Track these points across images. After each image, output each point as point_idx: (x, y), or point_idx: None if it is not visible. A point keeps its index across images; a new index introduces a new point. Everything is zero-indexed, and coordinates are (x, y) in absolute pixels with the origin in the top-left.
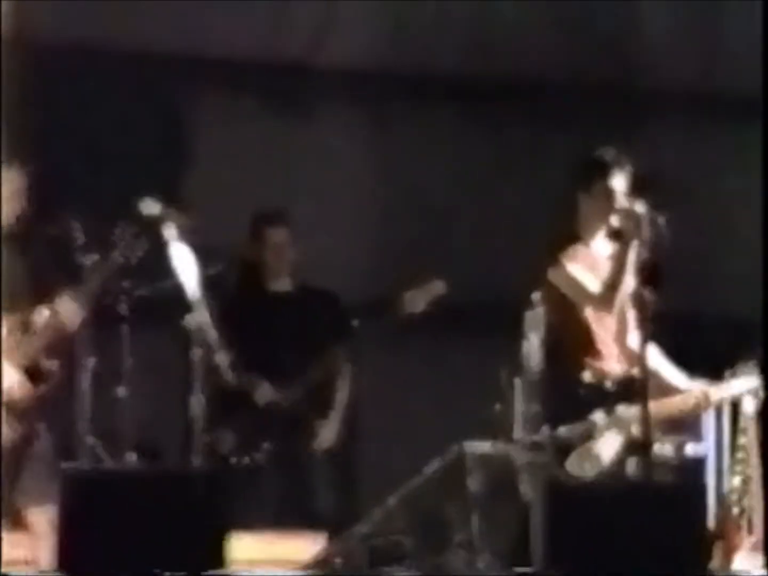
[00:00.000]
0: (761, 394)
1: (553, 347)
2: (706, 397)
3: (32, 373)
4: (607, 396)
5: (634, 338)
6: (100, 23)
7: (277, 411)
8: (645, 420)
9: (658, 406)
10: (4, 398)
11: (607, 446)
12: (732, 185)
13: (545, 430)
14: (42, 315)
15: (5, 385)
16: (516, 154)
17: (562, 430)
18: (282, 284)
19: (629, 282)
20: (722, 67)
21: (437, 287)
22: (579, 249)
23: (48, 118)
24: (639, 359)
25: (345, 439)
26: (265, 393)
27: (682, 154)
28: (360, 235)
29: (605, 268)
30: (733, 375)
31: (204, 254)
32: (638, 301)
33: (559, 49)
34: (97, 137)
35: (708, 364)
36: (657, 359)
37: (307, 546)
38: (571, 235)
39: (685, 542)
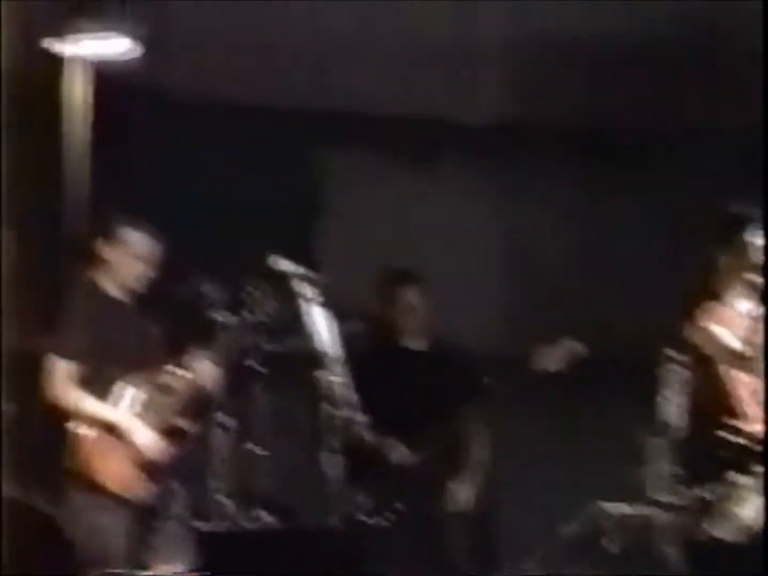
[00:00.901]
0: None
1: (692, 407)
2: None
3: (168, 432)
4: (749, 457)
5: (749, 395)
6: (234, 78)
7: (410, 471)
8: None
9: None
10: (141, 457)
11: (749, 508)
12: None
13: (684, 491)
14: (178, 375)
15: (142, 444)
16: (650, 208)
17: (702, 491)
18: (415, 342)
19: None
20: None
21: (573, 346)
22: (717, 306)
23: (180, 175)
24: (754, 417)
25: (480, 499)
26: (399, 453)
27: None
28: (492, 293)
29: (745, 326)
30: None
31: (337, 312)
32: None
33: (692, 98)
34: (230, 194)
35: None
36: None
37: None
38: (710, 293)
39: None
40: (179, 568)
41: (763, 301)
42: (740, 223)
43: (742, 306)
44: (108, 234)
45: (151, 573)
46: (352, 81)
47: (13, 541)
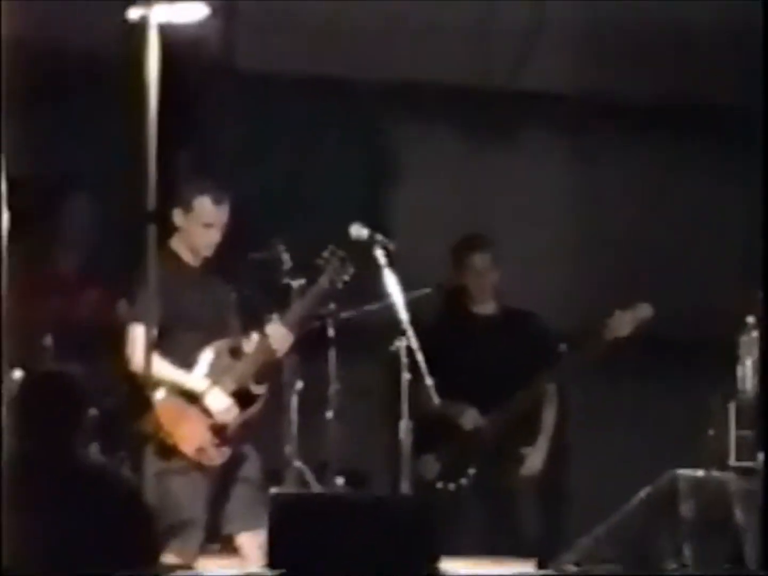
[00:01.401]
0: None
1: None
2: None
3: (241, 397)
4: None
5: None
6: (305, 50)
7: (482, 437)
8: None
9: None
10: (215, 421)
11: None
12: None
13: (760, 456)
14: (251, 340)
15: (216, 408)
16: (722, 177)
17: None
18: (486, 308)
19: None
20: None
21: (644, 310)
22: None
23: (257, 145)
24: None
25: (553, 465)
26: (471, 418)
27: None
28: (564, 259)
29: None
30: None
31: (409, 279)
32: None
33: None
34: (306, 164)
35: None
36: None
37: (516, 572)
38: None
39: None
40: (258, 533)
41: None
42: None
43: None
44: (182, 202)
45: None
46: (427, 50)
47: (94, 506)
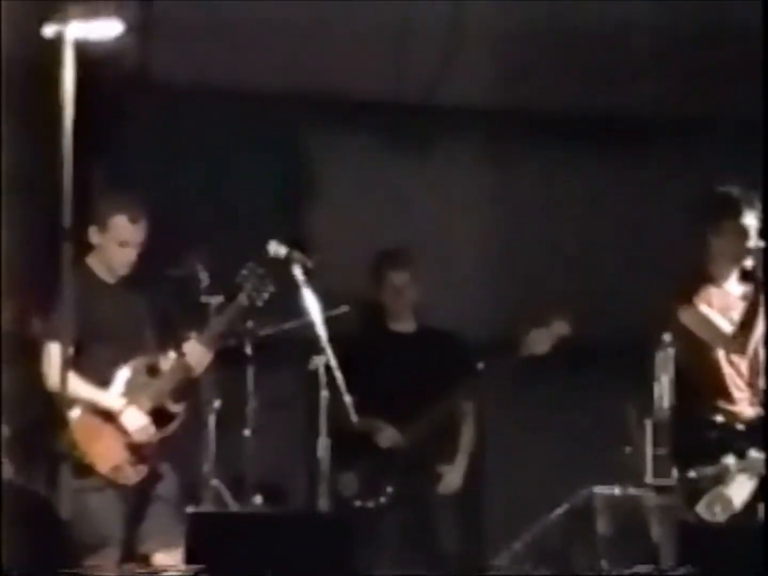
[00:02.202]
0: None
1: (684, 389)
2: None
3: (158, 415)
4: (739, 439)
5: (746, 377)
6: (220, 63)
7: (400, 454)
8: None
9: None
10: (131, 440)
11: (739, 490)
12: None
13: (675, 473)
14: (169, 358)
15: (132, 427)
16: (641, 191)
17: (693, 474)
18: (404, 325)
19: (762, 324)
20: None
21: (561, 327)
22: (711, 290)
23: (173, 160)
24: (749, 399)
25: (470, 482)
26: (388, 436)
27: None
28: (482, 275)
29: (738, 309)
30: None
31: (327, 296)
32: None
33: (681, 83)
34: (222, 179)
35: None
36: None
37: None
38: (703, 276)
39: None
40: (175, 552)
41: (765, 298)
42: (733, 206)
43: (736, 289)
44: (98, 220)
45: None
46: (345, 65)
47: (9, 524)
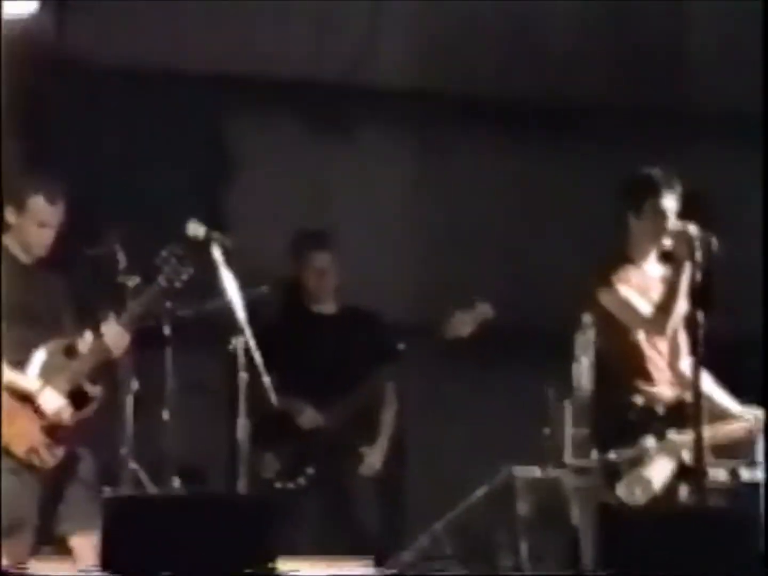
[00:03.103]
0: None
1: (603, 370)
2: (759, 423)
3: (75, 397)
4: (659, 420)
5: (686, 362)
6: (141, 44)
7: (321, 435)
8: (698, 445)
9: (710, 432)
10: (48, 422)
11: (658, 471)
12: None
13: (595, 454)
14: (86, 339)
15: (49, 408)
16: (564, 175)
17: (612, 455)
18: (326, 307)
19: (682, 305)
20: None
21: (484, 310)
22: (631, 271)
23: (91, 140)
24: (691, 383)
25: (391, 463)
26: (309, 417)
27: (731, 173)
28: (405, 257)
29: (657, 290)
30: None
31: (248, 277)
32: (690, 324)
33: (605, 70)
34: (140, 159)
35: (757, 389)
36: (709, 384)
37: (353, 571)
38: (623, 257)
39: (739, 568)
40: (92, 535)
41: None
42: (652, 188)
43: (656, 270)
44: (16, 201)
45: None
46: (266, 45)
47: None
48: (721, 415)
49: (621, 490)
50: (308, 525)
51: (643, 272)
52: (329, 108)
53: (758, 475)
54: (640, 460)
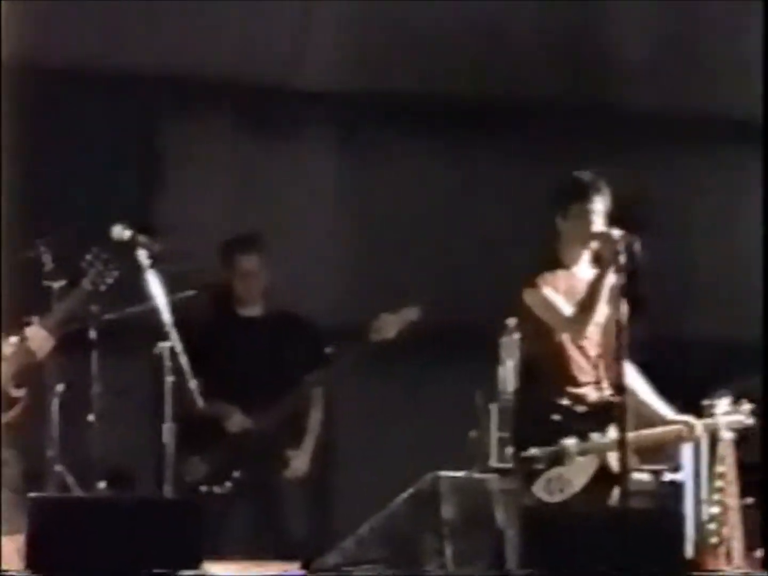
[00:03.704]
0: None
1: (528, 372)
2: (691, 430)
3: (1, 401)
4: (582, 422)
5: (611, 364)
6: (73, 45)
7: (248, 439)
8: (622, 447)
9: (636, 435)
10: None
11: (580, 472)
12: (711, 206)
13: (519, 456)
14: (10, 343)
15: None
16: (495, 178)
17: (532, 455)
18: (253, 310)
19: (602, 308)
20: (700, 88)
21: (410, 313)
22: (559, 273)
23: (17, 142)
24: (616, 385)
25: (318, 467)
26: (236, 421)
27: (662, 175)
28: (335, 260)
29: (584, 291)
30: (712, 404)
31: (175, 280)
32: (616, 326)
33: (536, 72)
34: (68, 162)
35: (683, 391)
36: (642, 387)
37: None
38: (553, 260)
39: (663, 571)
40: (17, 539)
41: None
42: (580, 191)
43: (587, 273)
44: None
45: None
46: (199, 47)
47: None
48: (651, 419)
49: (539, 490)
50: (235, 528)
51: (573, 275)
52: (261, 110)
53: (681, 477)
54: (560, 461)
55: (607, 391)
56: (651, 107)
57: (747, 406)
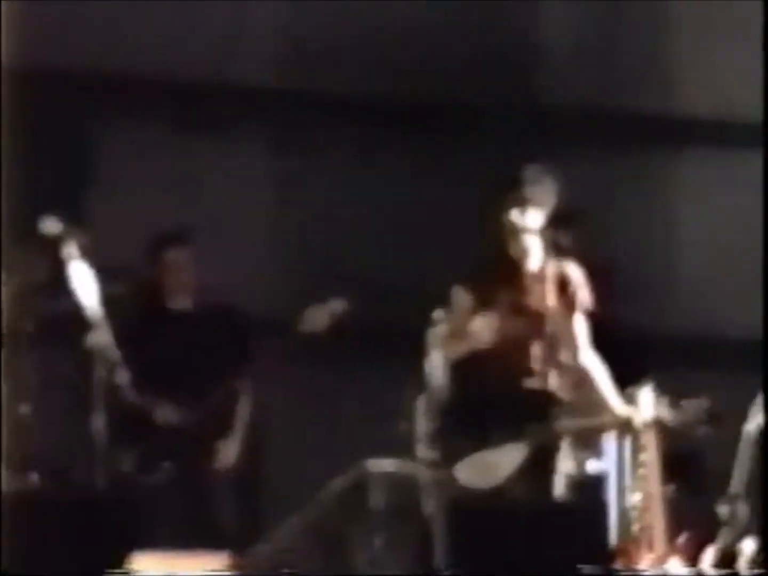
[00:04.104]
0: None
1: (458, 363)
2: (629, 421)
3: None
4: (511, 411)
5: (539, 353)
6: (10, 41)
7: (178, 431)
8: (548, 436)
9: (569, 424)
10: None
11: (508, 461)
12: (632, 201)
13: (448, 446)
14: None
15: None
16: (421, 173)
17: (462, 446)
18: (182, 303)
19: (550, 298)
20: (620, 84)
21: (337, 305)
22: (504, 266)
23: None
24: (542, 375)
25: (247, 458)
26: (165, 413)
27: (585, 172)
28: (266, 254)
29: (528, 285)
30: (633, 393)
31: (105, 273)
32: (561, 317)
33: (464, 69)
34: None
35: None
36: (598, 375)
37: (209, 565)
38: (502, 254)
39: (586, 559)
40: None
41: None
42: (515, 186)
43: (531, 265)
44: None
45: None
46: (132, 43)
47: None
48: (591, 407)
49: (469, 479)
50: (165, 520)
51: (521, 269)
52: (193, 106)
53: (604, 466)
54: (488, 449)
55: (546, 380)
56: (577, 106)
57: (667, 397)
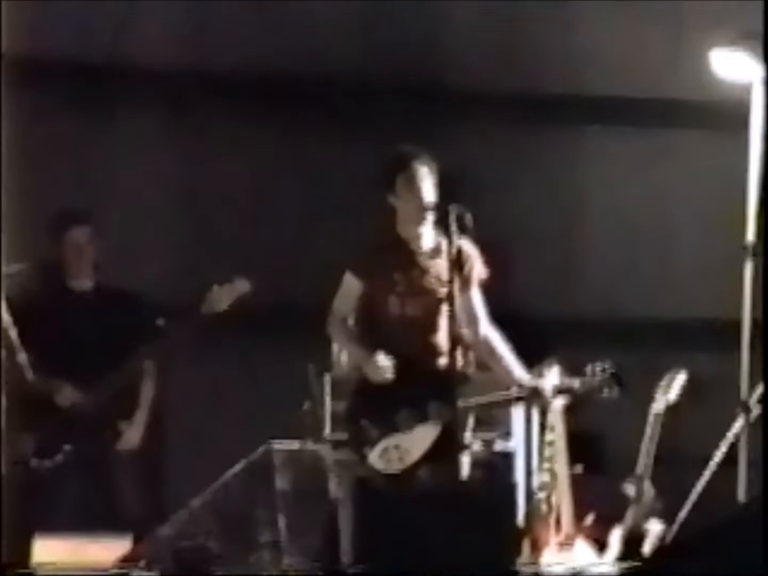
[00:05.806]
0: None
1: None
2: (537, 390)
3: None
4: (416, 390)
5: (440, 331)
6: None
7: (79, 413)
8: (456, 415)
9: (484, 400)
10: None
11: (419, 441)
12: (532, 181)
13: (352, 426)
14: None
15: None
16: (320, 154)
17: (368, 426)
18: (83, 284)
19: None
20: (524, 66)
21: (241, 286)
22: (396, 246)
23: None
24: (445, 353)
25: (150, 440)
26: (66, 395)
27: (485, 151)
28: (168, 234)
29: (422, 263)
30: (540, 372)
31: (4, 254)
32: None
33: (358, 48)
34: None
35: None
36: (501, 351)
37: (112, 549)
38: (393, 237)
39: (494, 538)
40: None
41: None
42: (401, 164)
43: (424, 245)
44: None
45: None
46: (28, 22)
47: None
48: (497, 383)
49: (378, 460)
50: (67, 502)
51: (414, 250)
52: (90, 86)
53: (512, 446)
54: (398, 430)
55: (450, 358)
56: (480, 87)
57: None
